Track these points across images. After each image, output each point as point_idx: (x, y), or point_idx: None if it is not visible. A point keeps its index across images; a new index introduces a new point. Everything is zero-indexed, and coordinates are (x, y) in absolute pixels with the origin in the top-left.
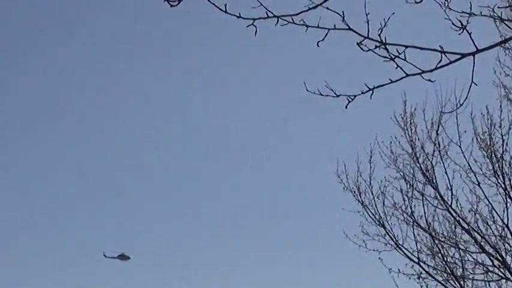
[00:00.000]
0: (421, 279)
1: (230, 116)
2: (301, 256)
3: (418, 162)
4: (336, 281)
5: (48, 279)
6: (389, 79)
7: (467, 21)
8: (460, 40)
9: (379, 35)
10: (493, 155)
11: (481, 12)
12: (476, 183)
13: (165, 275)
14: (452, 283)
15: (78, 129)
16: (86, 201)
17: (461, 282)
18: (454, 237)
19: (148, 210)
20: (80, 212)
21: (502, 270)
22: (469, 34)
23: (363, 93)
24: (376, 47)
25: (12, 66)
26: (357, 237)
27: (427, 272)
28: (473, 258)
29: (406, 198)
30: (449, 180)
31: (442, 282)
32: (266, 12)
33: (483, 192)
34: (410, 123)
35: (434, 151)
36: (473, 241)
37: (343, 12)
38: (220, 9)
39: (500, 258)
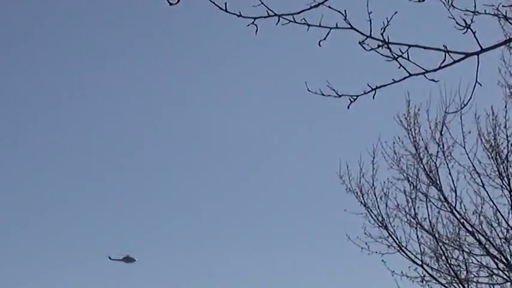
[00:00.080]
0: (424, 282)
1: (230, 115)
2: (303, 258)
3: (422, 163)
4: (339, 284)
5: (53, 282)
6: (393, 79)
7: (472, 20)
8: (464, 39)
9: (381, 34)
10: (497, 156)
11: (485, 10)
12: (481, 184)
13: (171, 277)
14: (456, 286)
15: (82, 130)
16: (90, 203)
17: (465, 285)
18: (458, 239)
19: (154, 212)
20: (84, 214)
21: (506, 273)
22: (473, 33)
23: (365, 93)
24: (378, 46)
25: (11, 66)
26: (360, 239)
27: (430, 275)
28: (478, 261)
29: (410, 200)
30: (453, 181)
31: (446, 285)
32: (267, 11)
33: (488, 193)
34: (414, 124)
35: (438, 152)
36: (477, 243)
37: (345, 11)
38: (221, 8)
39: (505, 261)
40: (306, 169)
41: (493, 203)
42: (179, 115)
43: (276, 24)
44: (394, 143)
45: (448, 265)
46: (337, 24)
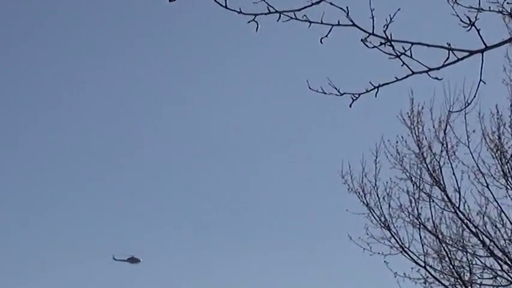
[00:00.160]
0: (427, 283)
1: (230, 115)
2: (304, 259)
3: (425, 162)
4: (340, 285)
5: (58, 282)
6: (395, 77)
7: (476, 17)
8: (468, 37)
9: (384, 32)
10: (502, 156)
11: (489, 7)
12: (485, 184)
13: (175, 278)
14: None
15: (85, 130)
16: (95, 204)
17: (469, 287)
18: (461, 240)
19: (158, 213)
20: (89, 214)
21: (511, 275)
22: (478, 31)
23: (367, 91)
24: (381, 43)
25: (11, 66)
26: (362, 240)
27: (433, 277)
28: (482, 262)
29: (413, 200)
30: (457, 181)
31: (449, 287)
32: (267, 8)
33: (492, 194)
34: (417, 122)
35: (441, 151)
36: (481, 245)
37: (347, 7)
38: (220, 5)
39: (509, 262)
40: (307, 169)
41: (498, 204)
42: (180, 115)
43: (277, 21)
44: (397, 142)
45: (451, 266)
46: (339, 21)
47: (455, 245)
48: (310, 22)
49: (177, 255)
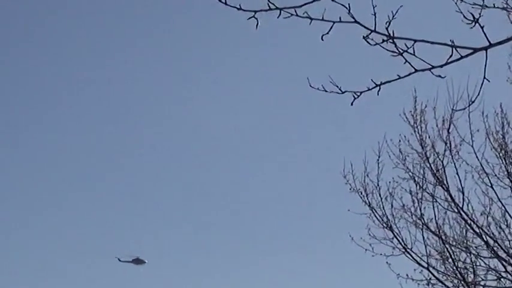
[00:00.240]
0: (430, 285)
1: (230, 113)
2: (305, 260)
3: (428, 162)
4: (342, 286)
5: (62, 283)
6: (398, 75)
7: (480, 14)
8: (471, 34)
9: (386, 29)
10: (506, 156)
11: (493, 4)
12: (489, 184)
13: (181, 279)
14: None
15: (88, 130)
16: (99, 204)
17: None
18: (465, 241)
19: (163, 214)
20: (93, 215)
21: None
22: (481, 28)
23: (369, 89)
24: (383, 41)
25: (11, 66)
26: (364, 241)
27: (436, 278)
28: (485, 264)
29: (416, 200)
30: (460, 181)
31: None
32: (268, 4)
33: (496, 194)
34: (421, 121)
35: (445, 150)
36: (485, 245)
37: (349, 4)
38: (220, 1)
39: None
40: (308, 168)
41: (502, 204)
42: (182, 115)
43: (278, 17)
44: (399, 141)
45: (454, 268)
46: (340, 18)
47: (459, 246)
48: (311, 19)
49: (182, 256)
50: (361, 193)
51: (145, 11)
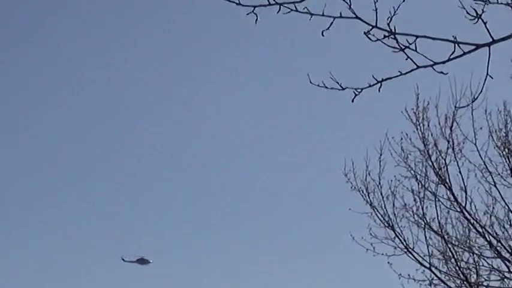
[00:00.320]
0: (432, 285)
1: (230, 112)
2: (305, 259)
3: (431, 160)
4: (342, 286)
5: (66, 283)
6: (399, 71)
7: (483, 9)
8: (474, 30)
9: (388, 24)
10: (510, 154)
11: (497, 0)
12: (492, 183)
13: (186, 279)
14: None
15: (92, 130)
16: (103, 204)
17: None
18: (468, 241)
19: (168, 214)
20: (97, 214)
21: None
22: (484, 23)
23: (370, 86)
24: (384, 36)
25: (11, 67)
26: (365, 240)
27: (439, 278)
28: (488, 264)
29: (418, 199)
30: (463, 180)
31: None
32: None
33: (499, 193)
34: (423, 119)
35: (447, 149)
36: (488, 245)
37: None
38: None
39: None
40: (309, 166)
41: (505, 203)
42: (183, 114)
43: (277, 13)
44: (401, 138)
45: (457, 268)
46: (341, 14)
47: (462, 246)
48: (312, 14)
49: (187, 256)
50: (363, 192)
51: (145, 11)
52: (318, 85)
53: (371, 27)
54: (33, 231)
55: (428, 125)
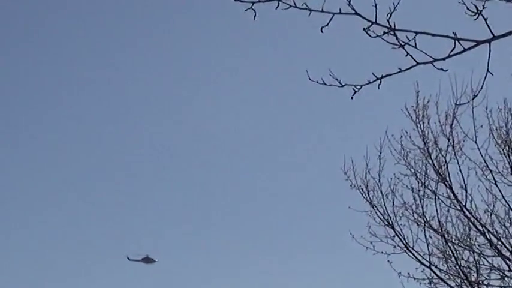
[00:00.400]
0: (432, 284)
1: (228, 110)
2: (305, 257)
3: (431, 158)
4: (342, 285)
5: (72, 283)
6: (399, 68)
7: (483, 5)
8: (475, 26)
9: (387, 20)
10: (510, 152)
11: None
12: (493, 181)
13: (191, 278)
14: None
15: (96, 130)
16: (109, 203)
17: None
18: (468, 239)
19: (173, 213)
20: (103, 214)
21: None
22: (485, 20)
23: (369, 82)
24: (384, 33)
25: (11, 67)
26: (364, 239)
27: (439, 277)
28: (489, 263)
29: (418, 197)
30: (463, 178)
31: (455, 287)
32: None
33: (500, 191)
34: (423, 116)
35: (448, 146)
36: (488, 244)
37: None
38: None
39: None
40: (308, 164)
41: (506, 201)
42: (183, 114)
43: (276, 9)
44: (401, 136)
45: (457, 267)
46: (340, 10)
47: (462, 245)
48: (310, 10)
49: (192, 255)
50: (362, 190)
51: (145, 11)
52: (317, 82)
53: (370, 24)
54: (37, 231)
55: (429, 123)
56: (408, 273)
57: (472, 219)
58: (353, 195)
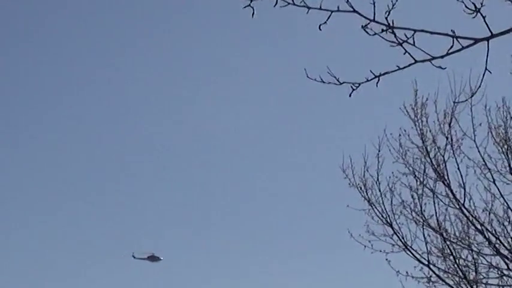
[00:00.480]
0: (431, 282)
1: (227, 108)
2: (303, 256)
3: (429, 156)
4: (340, 284)
5: (77, 281)
6: (397, 66)
7: (481, 3)
8: (473, 24)
9: (386, 18)
10: (509, 151)
11: None
12: (491, 180)
13: (197, 276)
14: (465, 287)
15: (99, 130)
16: (114, 201)
17: (474, 287)
18: (466, 238)
19: (179, 210)
20: (108, 212)
21: None
22: (483, 17)
23: (368, 80)
24: (382, 30)
25: (11, 66)
26: (362, 237)
27: (437, 275)
28: (487, 261)
29: (416, 196)
30: (462, 176)
31: (454, 286)
32: None
33: (498, 190)
34: (421, 115)
35: (446, 145)
36: (487, 243)
37: None
38: None
39: None
40: (306, 162)
41: (504, 200)
42: (183, 114)
43: (274, 6)
44: (400, 135)
45: (456, 265)
46: (338, 7)
47: (460, 243)
48: (309, 8)
49: (198, 253)
50: (361, 188)
51: (145, 11)
52: (315, 80)
53: (369, 21)
54: (41, 230)
55: (427, 121)
56: (406, 272)
57: (471, 217)
58: (351, 193)
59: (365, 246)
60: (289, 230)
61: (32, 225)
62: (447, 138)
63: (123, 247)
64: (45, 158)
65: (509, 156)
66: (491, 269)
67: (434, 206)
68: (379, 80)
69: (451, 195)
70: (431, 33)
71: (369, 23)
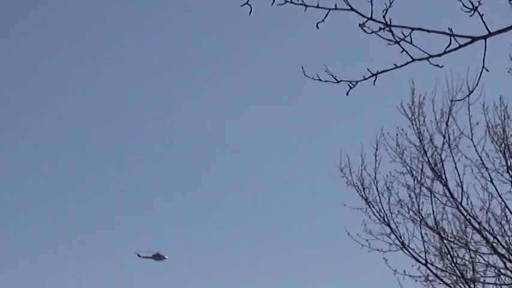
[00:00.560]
0: (428, 281)
1: (225, 107)
2: (300, 255)
3: (426, 155)
4: (337, 283)
5: (82, 280)
6: (395, 64)
7: (479, 1)
8: (470, 23)
9: (383, 16)
10: (506, 149)
11: None
12: (489, 179)
13: (202, 275)
14: (462, 286)
15: (101, 129)
16: (118, 200)
17: (471, 285)
18: (464, 237)
19: (184, 209)
20: (113, 210)
21: None
22: (481, 16)
23: (365, 78)
24: (380, 29)
25: (11, 66)
26: (360, 236)
27: (434, 274)
28: (485, 260)
29: (413, 195)
30: (459, 175)
31: (451, 285)
32: None
33: (496, 189)
34: (419, 114)
35: (443, 144)
36: (484, 241)
37: None
38: None
39: None
40: (304, 161)
41: (502, 199)
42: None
43: (271, 4)
44: (397, 134)
45: (453, 264)
46: (336, 5)
47: (458, 242)
48: (306, 6)
49: (203, 252)
50: (358, 187)
51: (145, 11)
52: (313, 78)
53: (366, 19)
54: (45, 229)
55: (424, 120)
56: (404, 271)
57: (468, 216)
58: (349, 192)
59: (362, 245)
60: (287, 228)
61: (35, 225)
62: (444, 137)
63: (128, 246)
64: (46, 158)
65: (507, 155)
66: (489, 268)
67: (432, 205)
68: (376, 78)
69: (448, 194)
70: (429, 31)
71: (366, 21)
